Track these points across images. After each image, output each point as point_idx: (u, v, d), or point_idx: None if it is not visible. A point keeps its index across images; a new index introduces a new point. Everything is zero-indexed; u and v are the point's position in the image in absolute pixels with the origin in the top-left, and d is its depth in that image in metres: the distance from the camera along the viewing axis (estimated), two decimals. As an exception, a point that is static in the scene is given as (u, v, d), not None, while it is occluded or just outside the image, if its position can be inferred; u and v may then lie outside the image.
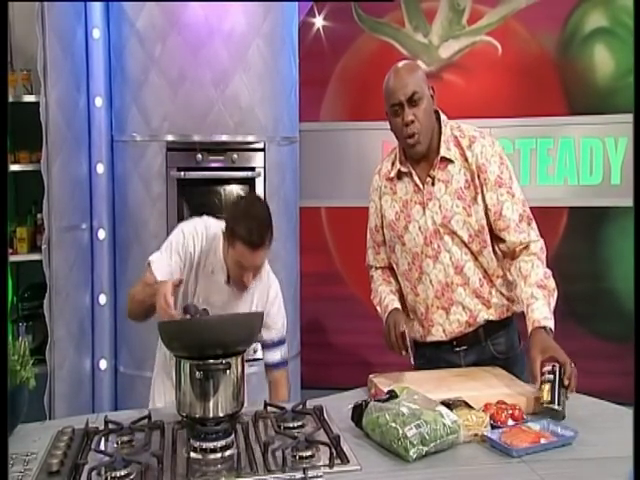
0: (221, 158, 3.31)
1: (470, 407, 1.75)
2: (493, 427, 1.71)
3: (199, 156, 3.26)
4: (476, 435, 1.68)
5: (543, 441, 1.64)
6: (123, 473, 1.52)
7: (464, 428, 1.66)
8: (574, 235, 3.88)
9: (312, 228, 3.95)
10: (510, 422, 1.74)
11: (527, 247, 2.13)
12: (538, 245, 2.14)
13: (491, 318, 2.21)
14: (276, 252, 3.44)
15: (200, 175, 3.32)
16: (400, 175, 2.23)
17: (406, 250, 2.23)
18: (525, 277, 2.08)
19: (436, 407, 1.67)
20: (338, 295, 4.06)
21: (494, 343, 2.24)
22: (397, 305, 2.22)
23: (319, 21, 4.00)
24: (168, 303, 1.83)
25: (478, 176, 2.14)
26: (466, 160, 2.16)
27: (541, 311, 2.01)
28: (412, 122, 2.10)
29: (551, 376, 1.83)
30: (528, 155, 3.83)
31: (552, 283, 2.08)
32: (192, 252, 2.09)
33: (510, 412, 1.76)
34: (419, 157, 2.19)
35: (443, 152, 2.16)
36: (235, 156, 3.32)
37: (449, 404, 1.73)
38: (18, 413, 1.79)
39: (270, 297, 2.22)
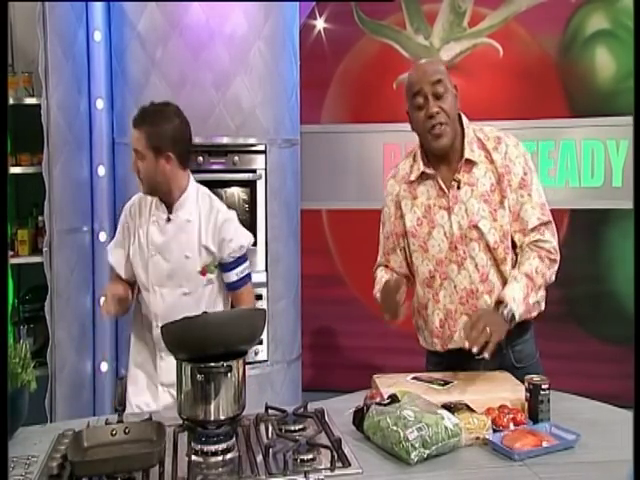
0: (222, 160, 3.31)
1: (472, 410, 1.75)
2: (495, 431, 1.71)
3: (200, 158, 3.25)
4: (478, 438, 1.68)
5: (545, 444, 1.64)
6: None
7: (466, 431, 1.66)
8: (575, 237, 3.87)
9: (313, 230, 3.95)
10: (512, 426, 1.73)
11: (537, 242, 2.11)
12: (547, 244, 2.10)
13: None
14: (277, 254, 3.45)
15: (201, 177, 3.25)
16: (422, 178, 2.15)
17: (428, 257, 2.15)
18: (520, 264, 2.09)
19: (438, 410, 1.67)
20: (339, 297, 4.05)
21: (514, 350, 2.18)
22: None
23: (320, 23, 4.00)
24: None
25: (504, 178, 2.09)
26: (492, 162, 2.11)
27: (513, 290, 2.00)
28: (437, 114, 2.04)
29: (527, 394, 1.82)
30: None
31: (540, 280, 2.06)
32: (128, 213, 2.41)
33: (512, 416, 1.76)
34: (442, 154, 2.11)
35: (467, 154, 2.10)
36: (236, 158, 3.32)
37: (451, 407, 1.73)
38: (19, 416, 1.79)
39: (219, 221, 2.35)
